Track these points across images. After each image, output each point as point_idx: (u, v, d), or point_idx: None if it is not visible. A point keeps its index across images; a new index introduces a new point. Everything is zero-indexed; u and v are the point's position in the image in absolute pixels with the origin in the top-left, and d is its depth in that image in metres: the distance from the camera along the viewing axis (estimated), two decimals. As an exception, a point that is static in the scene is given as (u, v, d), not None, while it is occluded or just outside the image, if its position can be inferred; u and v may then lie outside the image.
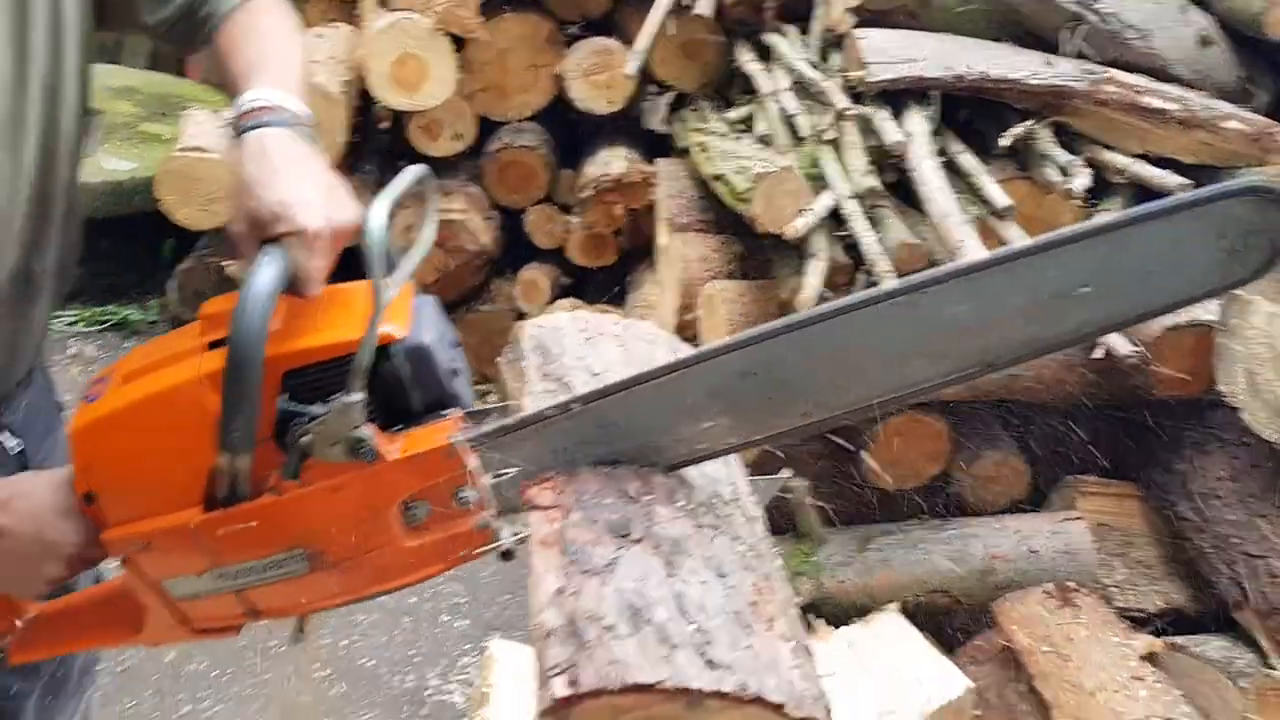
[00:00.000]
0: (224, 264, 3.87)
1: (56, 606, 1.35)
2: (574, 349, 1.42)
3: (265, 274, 1.07)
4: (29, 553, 1.20)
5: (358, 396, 1.07)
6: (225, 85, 1.35)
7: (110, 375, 1.19)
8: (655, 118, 4.32)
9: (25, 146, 1.22)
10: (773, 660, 1.02)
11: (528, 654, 2.59)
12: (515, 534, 1.18)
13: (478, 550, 1.18)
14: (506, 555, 1.20)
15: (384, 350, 1.10)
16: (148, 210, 3.88)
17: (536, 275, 4.03)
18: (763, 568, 1.18)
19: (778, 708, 0.96)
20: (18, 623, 1.32)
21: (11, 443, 1.40)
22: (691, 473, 1.23)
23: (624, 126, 4.14)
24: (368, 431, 1.08)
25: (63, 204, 1.32)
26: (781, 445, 1.25)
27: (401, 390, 1.12)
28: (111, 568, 1.38)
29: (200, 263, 4.03)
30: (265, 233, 1.13)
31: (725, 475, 1.30)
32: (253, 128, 1.20)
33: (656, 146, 4.01)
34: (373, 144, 4.02)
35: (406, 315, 1.14)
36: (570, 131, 4.30)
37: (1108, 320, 1.14)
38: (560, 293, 4.06)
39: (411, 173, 1.18)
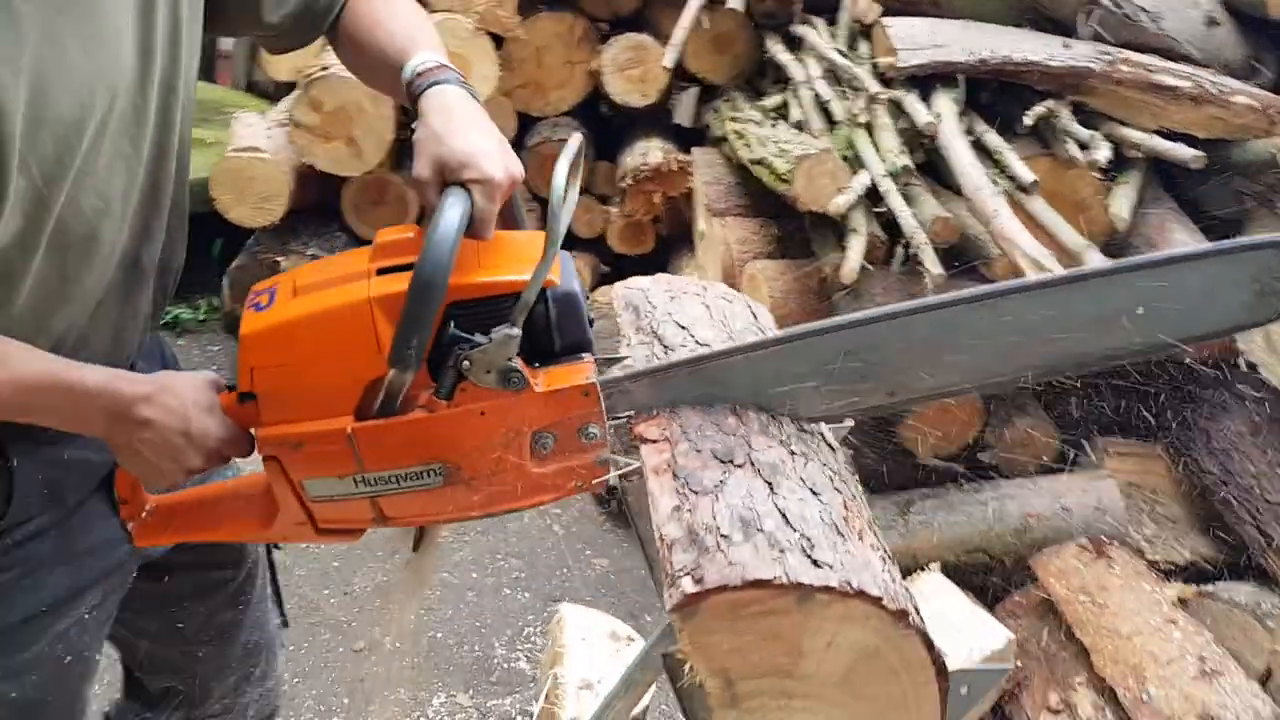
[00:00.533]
0: (277, 259, 4.02)
1: (189, 495, 1.44)
2: (662, 305, 1.58)
3: (454, 212, 1.20)
4: (173, 444, 1.28)
5: (518, 330, 1.20)
6: (372, 62, 1.48)
7: (275, 287, 1.29)
8: (683, 112, 4.48)
9: (144, 140, 1.32)
10: (867, 562, 1.16)
11: (595, 616, 2.76)
12: (627, 464, 1.32)
13: (592, 482, 1.31)
14: (611, 492, 1.37)
15: (541, 293, 1.23)
16: (194, 212, 4.03)
17: (577, 264, 4.19)
18: (848, 489, 1.33)
19: (877, 601, 1.09)
20: (146, 508, 1.41)
21: None
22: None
23: (657, 120, 4.30)
24: (520, 362, 1.22)
25: (171, 196, 1.42)
26: (862, 417, 1.40)
27: (548, 330, 1.26)
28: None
29: (253, 260, 4.18)
30: (453, 177, 1.26)
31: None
32: (432, 85, 1.33)
33: (686, 140, 4.16)
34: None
35: (557, 266, 1.27)
36: (604, 126, 4.47)
37: (1155, 342, 1.29)
38: (601, 280, 4.22)
39: (576, 140, 1.29)
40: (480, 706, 2.94)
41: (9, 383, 1.21)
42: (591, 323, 1.31)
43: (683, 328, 1.54)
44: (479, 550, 3.51)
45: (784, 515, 1.18)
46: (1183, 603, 2.94)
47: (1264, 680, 2.68)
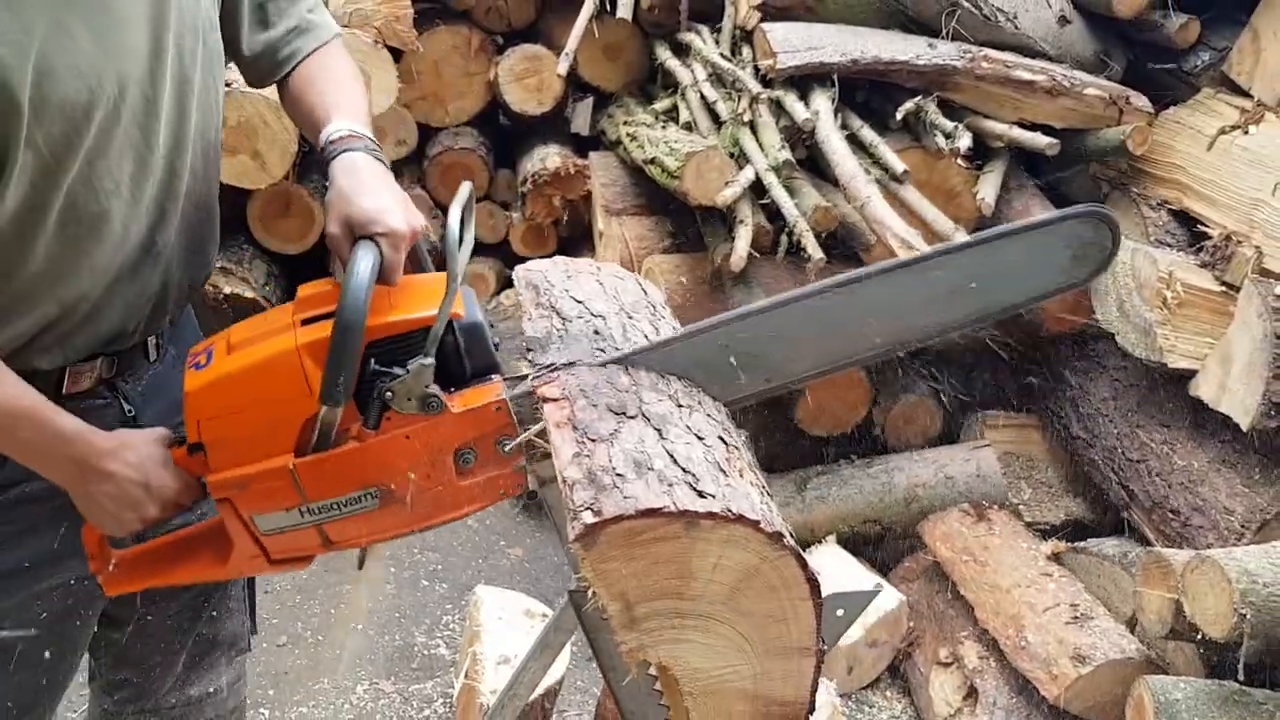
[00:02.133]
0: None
1: (150, 545, 1.54)
2: (560, 283, 1.72)
3: (365, 263, 1.36)
4: (132, 496, 1.42)
5: (431, 360, 1.35)
6: (303, 115, 1.64)
7: (211, 347, 1.43)
8: (579, 121, 4.63)
9: (156, 129, 1.43)
10: (747, 494, 1.31)
11: (510, 596, 2.88)
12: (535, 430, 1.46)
13: (514, 487, 1.47)
14: (532, 495, 1.52)
15: (449, 325, 1.39)
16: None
17: (482, 269, 4.32)
18: (732, 440, 1.47)
19: (755, 524, 1.24)
20: (112, 562, 1.52)
21: (128, 408, 1.60)
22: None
23: (555, 127, 4.44)
24: (437, 388, 1.37)
25: (187, 186, 1.53)
26: (743, 406, 1.58)
27: (459, 357, 1.41)
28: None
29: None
30: (361, 232, 1.41)
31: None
32: (344, 151, 1.50)
33: (584, 147, 4.31)
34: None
35: (460, 300, 1.43)
36: (504, 135, 4.60)
37: (988, 309, 1.51)
38: (506, 283, 4.33)
39: (466, 187, 1.49)
40: (403, 692, 3.03)
41: None
42: (497, 346, 1.46)
43: (579, 302, 1.68)
44: (396, 546, 3.60)
45: (672, 457, 1.32)
46: (1057, 558, 3.17)
47: (1131, 624, 2.91)
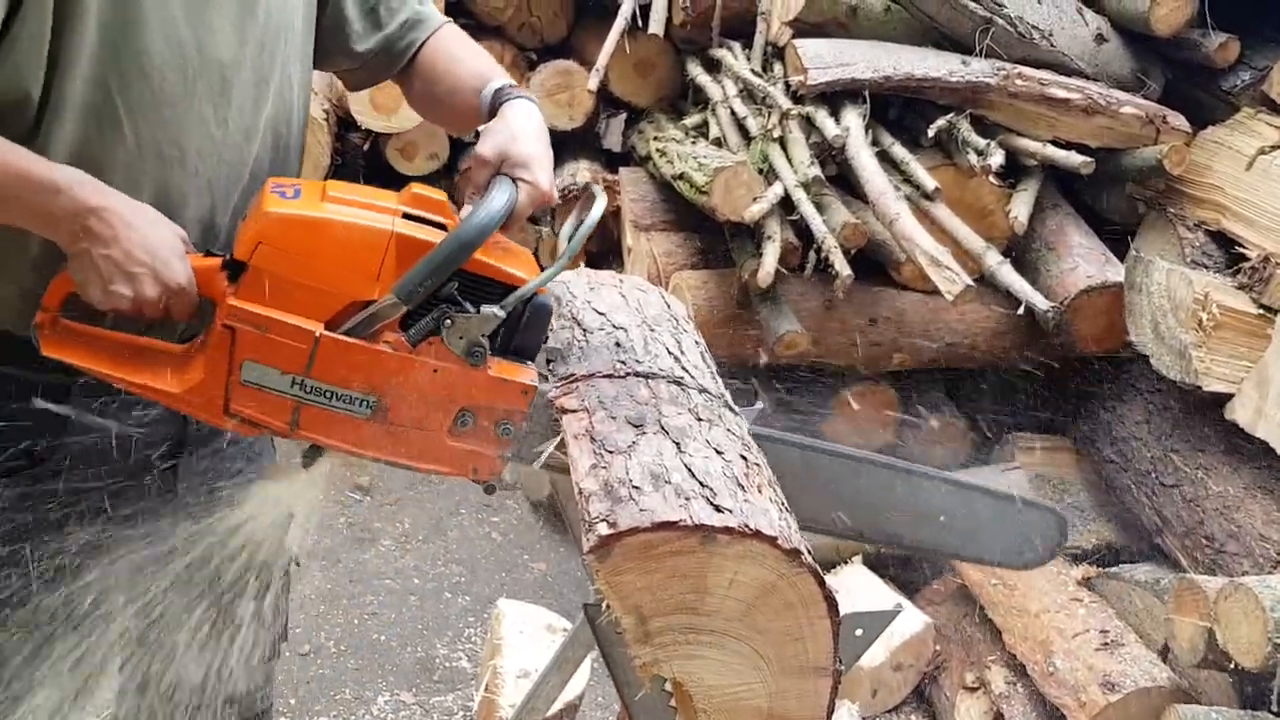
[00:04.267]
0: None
1: (108, 331, 1.40)
2: (582, 295, 1.72)
3: (504, 198, 1.37)
4: (132, 267, 1.31)
5: (503, 314, 1.34)
6: (447, 88, 1.67)
7: (299, 186, 1.37)
8: (611, 137, 4.64)
9: (227, 113, 1.46)
10: (765, 510, 1.29)
11: (532, 611, 2.87)
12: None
13: (487, 475, 1.44)
14: (490, 490, 1.48)
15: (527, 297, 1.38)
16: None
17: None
18: (752, 456, 1.46)
19: (772, 540, 1.22)
20: (62, 323, 1.36)
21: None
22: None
23: (586, 143, 4.45)
24: (486, 343, 1.35)
25: (251, 172, 1.54)
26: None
27: (514, 329, 1.39)
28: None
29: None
30: (509, 171, 1.44)
31: (715, 388, 1.60)
32: (519, 98, 1.55)
33: (615, 163, 4.31)
34: (351, 166, 4.28)
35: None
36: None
37: (940, 547, 1.61)
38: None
39: (602, 200, 1.49)
40: (423, 704, 3.03)
41: None
42: (546, 339, 1.45)
43: (600, 313, 1.68)
44: (420, 557, 3.61)
45: (690, 470, 1.31)
46: (1087, 583, 3.12)
47: (1162, 652, 2.85)
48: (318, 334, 1.32)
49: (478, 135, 1.57)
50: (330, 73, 1.81)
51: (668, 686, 1.33)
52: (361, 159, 4.40)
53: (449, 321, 1.34)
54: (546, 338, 1.46)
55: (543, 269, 1.40)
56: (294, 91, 1.61)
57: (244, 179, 1.55)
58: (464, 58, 1.69)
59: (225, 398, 1.35)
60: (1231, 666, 2.32)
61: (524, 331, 1.41)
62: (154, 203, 1.41)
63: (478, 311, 1.34)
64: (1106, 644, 2.82)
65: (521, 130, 1.49)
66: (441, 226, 1.37)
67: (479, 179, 1.46)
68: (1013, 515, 1.61)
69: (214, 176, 1.49)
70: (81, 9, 1.30)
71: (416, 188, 1.41)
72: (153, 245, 1.32)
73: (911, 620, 3.12)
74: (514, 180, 1.43)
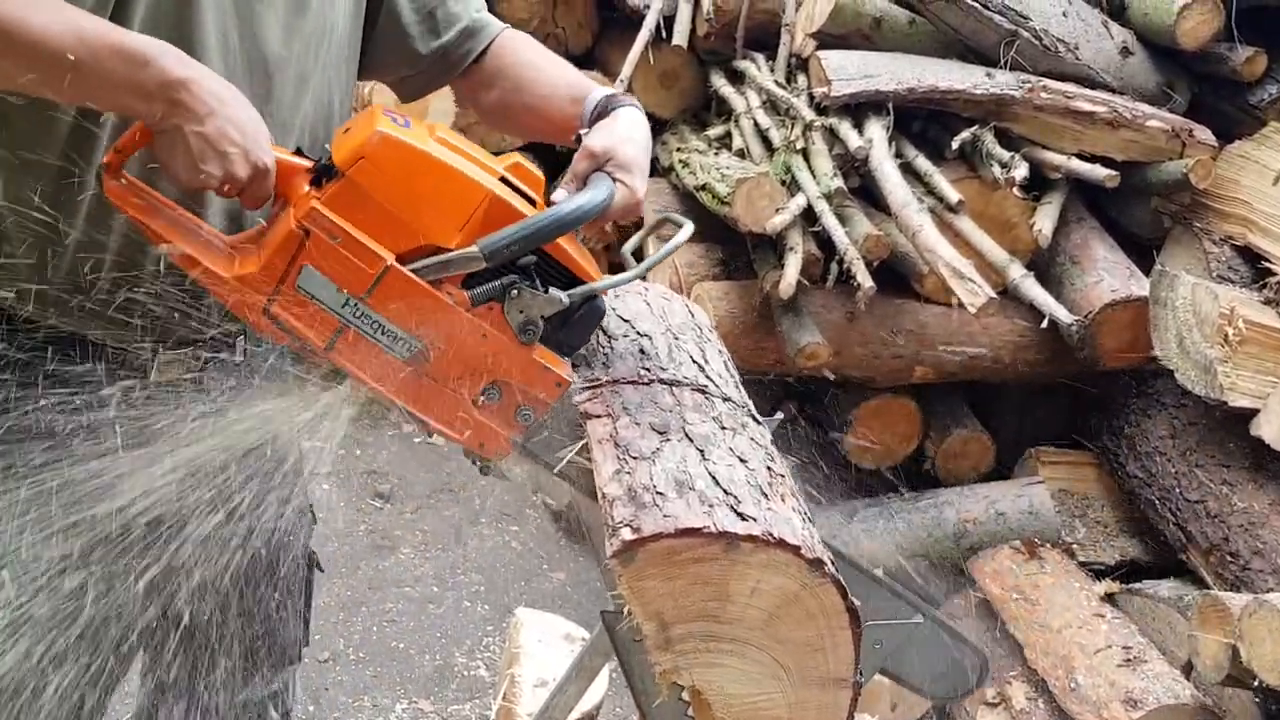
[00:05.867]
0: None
1: (175, 200, 1.38)
2: (607, 301, 1.71)
3: (605, 192, 1.41)
4: (229, 152, 1.27)
5: (567, 302, 1.36)
6: (539, 93, 1.70)
7: (409, 120, 1.36)
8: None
9: (270, 110, 1.46)
10: (788, 519, 1.29)
11: (550, 619, 2.87)
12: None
13: (492, 453, 1.44)
14: (484, 470, 1.49)
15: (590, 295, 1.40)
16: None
17: (532, 292, 4.34)
18: (775, 463, 1.46)
19: (795, 549, 1.22)
20: (127, 178, 1.34)
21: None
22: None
23: (608, 153, 4.45)
24: (541, 324, 1.36)
25: None
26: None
27: (568, 322, 1.40)
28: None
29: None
30: (611, 170, 1.47)
31: (739, 397, 1.60)
32: (629, 105, 1.59)
33: (637, 173, 4.33)
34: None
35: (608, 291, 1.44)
36: (560, 161, 4.62)
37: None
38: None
39: (689, 227, 1.53)
40: (441, 712, 3.03)
41: (70, 30, 1.22)
42: (590, 340, 1.47)
43: (625, 320, 1.68)
44: (440, 565, 3.61)
45: (714, 478, 1.31)
46: (1110, 599, 3.10)
47: (1186, 669, 2.83)
48: (390, 262, 1.31)
49: (578, 139, 1.58)
50: (382, 82, 1.82)
51: (685, 695, 1.33)
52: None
53: (515, 292, 1.34)
54: (589, 339, 1.47)
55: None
56: (334, 95, 1.61)
57: None
58: (544, 66, 1.72)
59: (270, 299, 1.33)
60: (1255, 684, 2.30)
61: (574, 327, 1.42)
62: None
63: (545, 292, 1.35)
64: (1129, 660, 2.80)
65: (629, 135, 1.53)
66: (533, 202, 1.38)
67: (580, 169, 1.49)
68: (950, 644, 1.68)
69: None
70: (132, 6, 1.31)
71: (521, 159, 1.42)
72: (245, 124, 1.29)
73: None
74: (614, 180, 1.46)
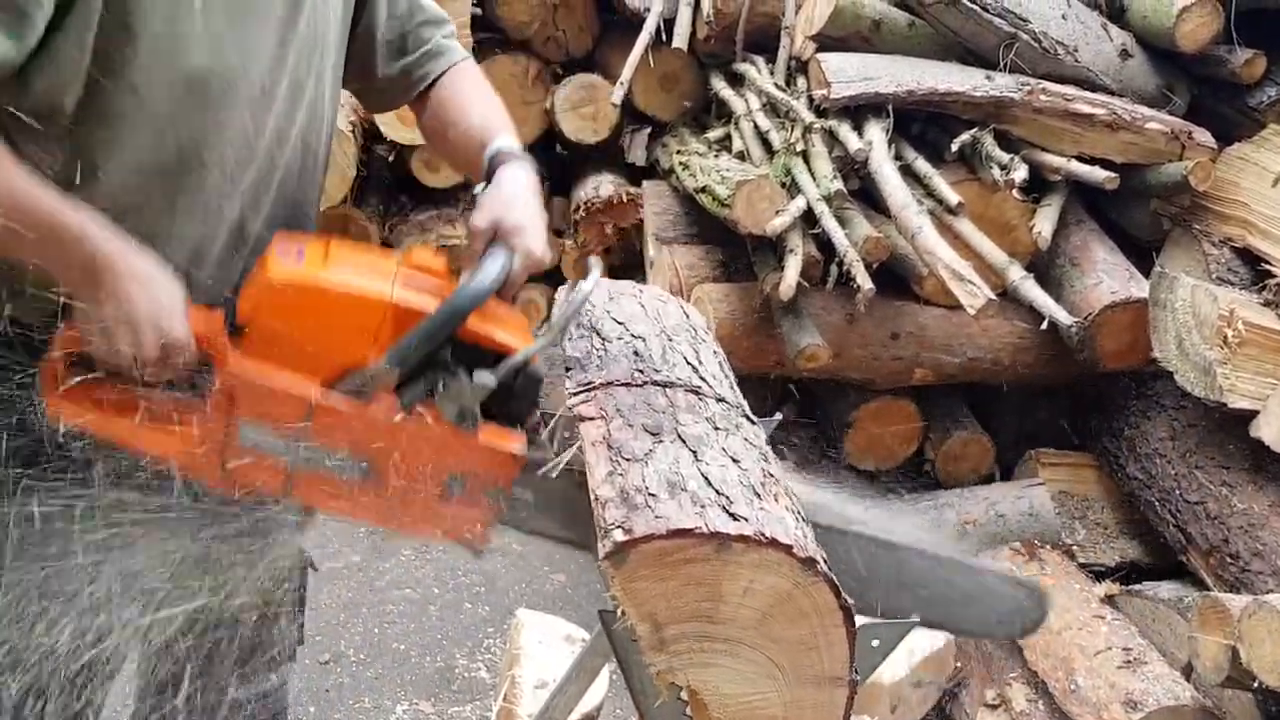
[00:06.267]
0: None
1: (111, 390, 1.40)
2: (601, 304, 1.72)
3: (497, 265, 1.41)
4: (138, 325, 1.33)
5: (495, 382, 1.36)
6: (458, 132, 1.71)
7: (304, 247, 1.40)
8: (636, 151, 4.66)
9: (266, 122, 1.50)
10: (781, 519, 1.29)
11: (551, 621, 2.87)
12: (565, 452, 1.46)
13: (468, 539, 1.46)
14: (477, 554, 1.51)
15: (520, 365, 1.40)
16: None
17: (533, 294, 4.34)
18: (768, 463, 1.46)
19: (787, 549, 1.22)
20: (68, 383, 1.38)
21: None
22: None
23: (610, 156, 4.47)
24: (478, 410, 1.37)
25: (280, 179, 1.58)
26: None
27: (505, 396, 1.40)
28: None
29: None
30: (504, 238, 1.48)
31: (733, 398, 1.60)
32: (515, 161, 1.59)
33: (639, 178, 4.33)
34: (377, 177, 4.32)
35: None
36: (560, 164, 4.64)
37: (925, 616, 1.59)
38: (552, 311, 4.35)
39: (597, 270, 1.53)
40: (442, 713, 3.03)
41: (6, 196, 1.29)
42: (536, 407, 1.47)
43: (619, 323, 1.68)
44: (440, 567, 3.62)
45: (706, 478, 1.31)
46: (1110, 600, 3.09)
47: (1186, 671, 2.82)
48: (314, 398, 1.35)
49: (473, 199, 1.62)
50: (348, 91, 1.85)
51: (683, 695, 1.33)
52: (387, 171, 4.44)
53: (442, 387, 1.36)
54: (537, 405, 1.47)
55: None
56: (325, 104, 1.64)
57: (272, 187, 1.58)
58: (474, 103, 1.73)
59: (222, 457, 1.38)
60: (1255, 685, 2.30)
61: (515, 399, 1.42)
62: (192, 210, 1.46)
63: (471, 378, 1.36)
64: (1129, 662, 2.79)
65: (513, 197, 1.54)
66: (440, 293, 1.40)
67: (475, 248, 1.50)
68: (992, 583, 1.66)
69: (248, 183, 1.53)
70: (131, 33, 1.32)
71: (416, 253, 1.45)
72: (158, 301, 1.35)
73: (932, 636, 3.09)
74: (509, 248, 1.47)
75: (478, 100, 1.74)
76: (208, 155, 1.45)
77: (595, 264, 1.55)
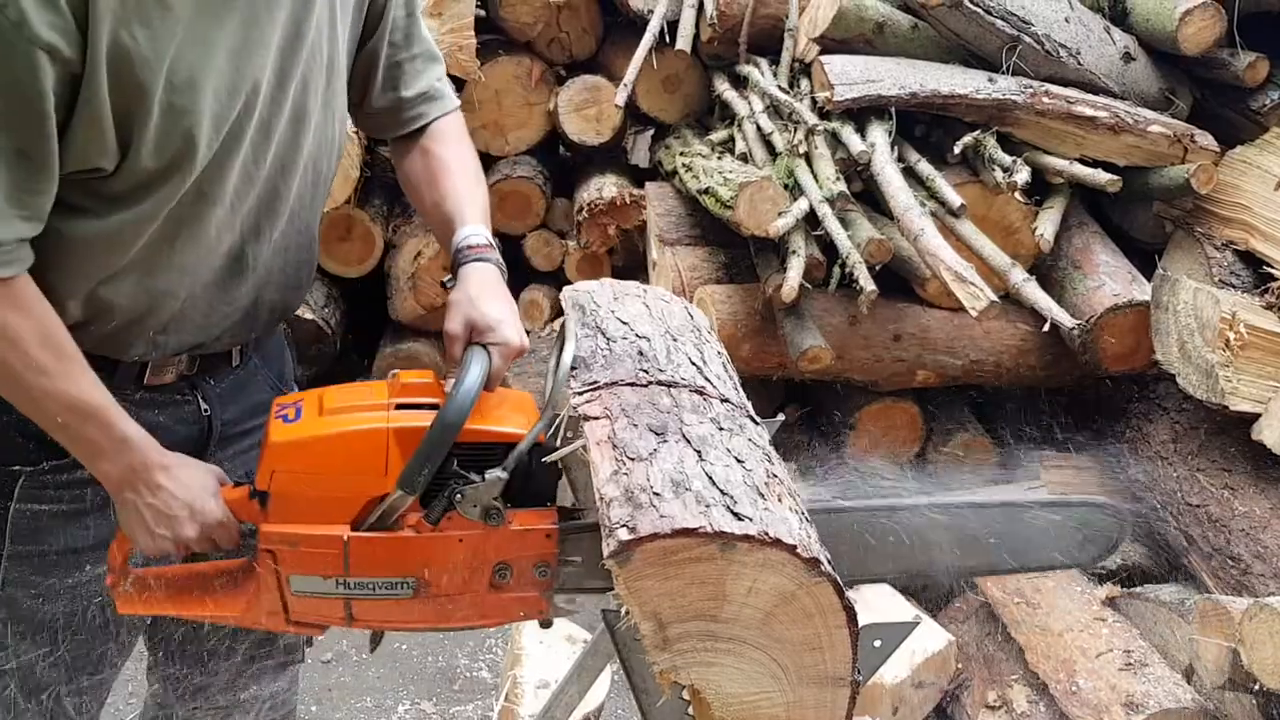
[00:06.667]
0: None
1: (169, 570, 1.55)
2: (606, 304, 1.73)
3: (478, 369, 1.45)
4: (174, 514, 1.46)
5: (507, 475, 1.40)
6: (430, 199, 1.75)
7: (301, 403, 1.48)
8: (638, 152, 4.66)
9: (268, 151, 1.51)
10: (785, 519, 1.29)
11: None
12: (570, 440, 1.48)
13: (537, 613, 1.51)
14: (547, 624, 1.58)
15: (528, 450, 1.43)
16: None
17: (537, 295, 4.36)
18: (772, 464, 1.47)
19: (791, 549, 1.23)
20: (130, 578, 1.53)
21: (204, 407, 1.68)
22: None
23: (613, 158, 4.47)
24: (500, 502, 1.41)
25: (291, 209, 1.60)
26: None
27: (525, 478, 1.45)
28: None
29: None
30: (478, 338, 1.54)
31: (737, 399, 1.60)
32: (478, 260, 1.63)
33: (643, 180, 4.34)
34: (381, 179, 4.33)
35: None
36: (563, 166, 4.65)
37: (1000, 564, 1.65)
38: (559, 312, 4.36)
39: (572, 345, 1.55)
40: (444, 713, 3.04)
41: (63, 396, 1.38)
42: (559, 479, 1.51)
43: (624, 323, 1.69)
44: (442, 568, 3.61)
45: (710, 478, 1.31)
46: (1111, 602, 3.10)
47: (1187, 673, 2.83)
48: (345, 537, 1.41)
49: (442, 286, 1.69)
50: None
51: (685, 695, 1.33)
52: (390, 172, 4.43)
53: (460, 495, 1.40)
54: (559, 477, 1.51)
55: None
56: (335, 127, 1.65)
57: (281, 215, 1.59)
58: (453, 172, 1.76)
59: (285, 608, 1.46)
60: (1256, 688, 2.30)
61: (536, 477, 1.47)
62: (190, 241, 1.48)
63: (483, 479, 1.40)
64: (1130, 664, 2.80)
65: (480, 295, 1.58)
66: (435, 406, 1.45)
67: (454, 353, 1.55)
68: (1058, 513, 1.66)
69: (247, 211, 1.54)
70: (140, 90, 1.32)
71: (404, 376, 1.50)
72: (189, 488, 1.46)
73: (934, 637, 3.10)
74: (485, 346, 1.52)
75: (456, 168, 1.77)
76: (210, 189, 1.46)
77: (572, 322, 1.60)
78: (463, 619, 1.48)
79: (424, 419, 1.42)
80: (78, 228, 1.40)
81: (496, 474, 1.40)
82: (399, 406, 1.45)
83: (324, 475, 1.43)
